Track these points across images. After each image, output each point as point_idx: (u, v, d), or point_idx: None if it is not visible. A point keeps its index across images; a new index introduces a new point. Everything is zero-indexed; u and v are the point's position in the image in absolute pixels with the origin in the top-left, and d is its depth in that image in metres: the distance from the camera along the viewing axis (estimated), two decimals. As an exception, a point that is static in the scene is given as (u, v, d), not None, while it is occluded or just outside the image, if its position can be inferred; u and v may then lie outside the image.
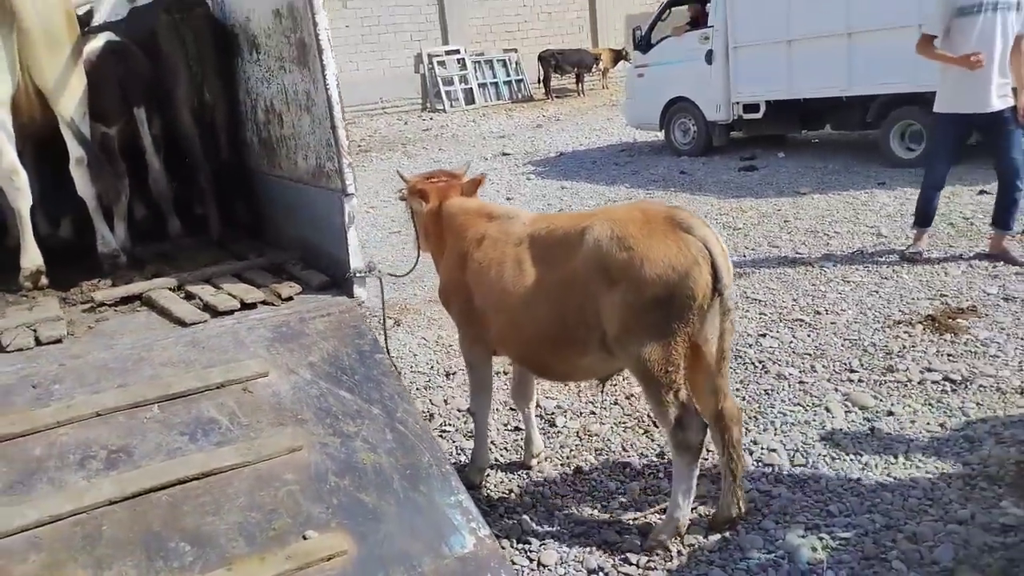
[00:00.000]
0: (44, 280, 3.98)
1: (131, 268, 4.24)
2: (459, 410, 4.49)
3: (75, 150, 4.04)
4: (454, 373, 5.01)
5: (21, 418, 2.79)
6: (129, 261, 4.34)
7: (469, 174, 3.85)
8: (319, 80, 3.53)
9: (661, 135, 13.17)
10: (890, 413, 4.01)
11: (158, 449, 2.79)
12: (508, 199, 10.37)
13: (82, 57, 4.13)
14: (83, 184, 4.11)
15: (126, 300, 3.81)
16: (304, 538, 2.56)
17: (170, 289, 3.86)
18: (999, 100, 5.91)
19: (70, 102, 4.02)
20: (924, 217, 6.53)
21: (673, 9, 13.04)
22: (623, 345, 2.92)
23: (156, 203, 5.02)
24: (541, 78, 22.91)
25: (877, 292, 5.74)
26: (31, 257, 3.96)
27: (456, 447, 4.11)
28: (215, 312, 3.53)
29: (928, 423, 3.89)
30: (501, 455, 4.00)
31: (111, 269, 4.19)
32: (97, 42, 4.41)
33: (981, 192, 8.08)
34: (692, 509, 3.25)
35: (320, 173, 3.80)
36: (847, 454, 3.69)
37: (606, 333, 2.96)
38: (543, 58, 22.72)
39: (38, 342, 3.30)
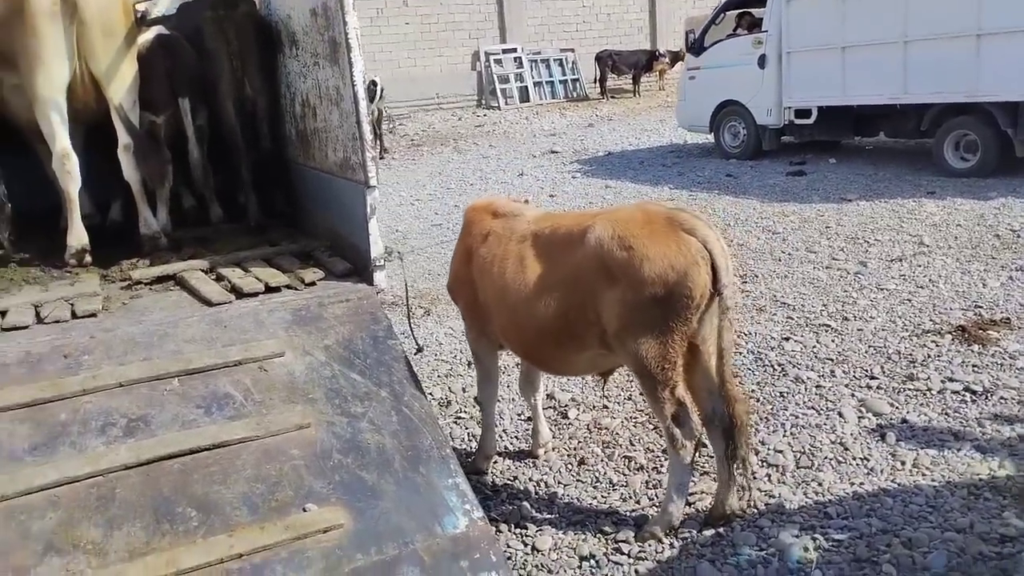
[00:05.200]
0: (88, 258, 4.20)
1: (170, 250, 4.45)
2: (475, 399, 4.61)
3: (123, 136, 4.26)
4: (476, 364, 5.13)
5: (50, 385, 2.98)
6: (169, 244, 4.54)
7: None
8: (347, 76, 3.66)
9: (711, 138, 13.10)
10: (904, 421, 4.00)
11: (174, 420, 2.96)
12: (551, 196, 10.45)
13: (135, 48, 4.34)
14: (129, 169, 4.34)
15: (161, 279, 4.01)
16: (304, 511, 2.69)
17: (203, 271, 4.04)
18: None
19: (121, 90, 4.24)
20: None
21: (727, 13, 12.95)
22: (622, 341, 2.99)
23: (200, 191, 5.24)
24: (597, 78, 22.91)
25: (910, 300, 5.67)
26: (77, 236, 4.19)
27: (468, 433, 4.23)
28: (240, 294, 3.70)
29: (941, 432, 3.86)
30: (511, 443, 4.11)
31: (151, 250, 4.39)
32: (148, 34, 4.62)
33: (1033, 204, 7.89)
34: (690, 504, 3.31)
35: (347, 165, 3.94)
36: (854, 459, 3.70)
37: (605, 330, 3.03)
38: (600, 58, 22.74)
39: (74, 315, 3.51)
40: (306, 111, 4.54)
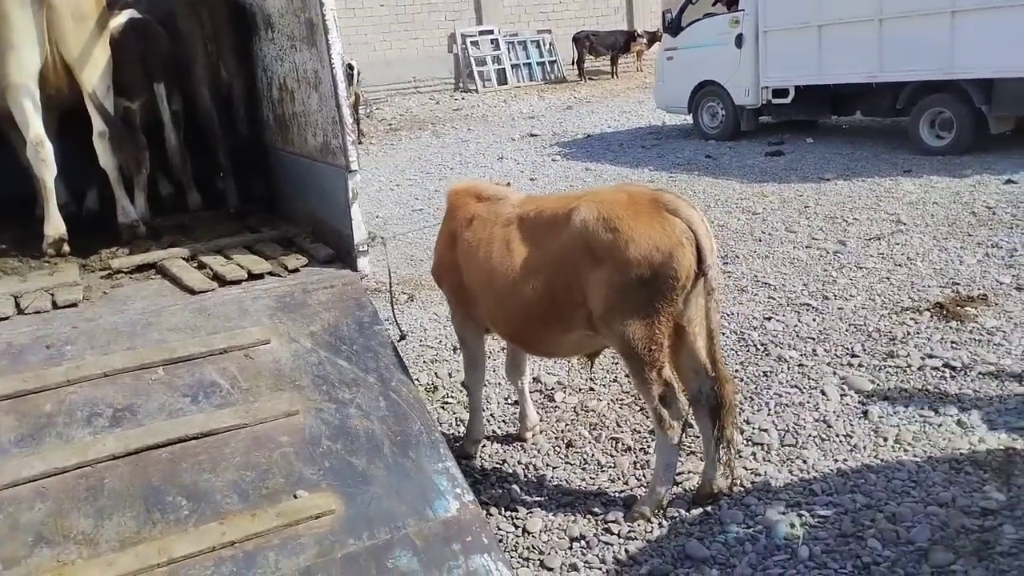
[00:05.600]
0: (66, 247, 4.14)
1: (149, 238, 4.40)
2: (462, 384, 4.61)
3: (98, 123, 4.20)
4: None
5: (34, 376, 2.95)
6: (148, 232, 4.49)
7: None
8: (325, 59, 3.62)
9: (690, 119, 13.12)
10: (885, 398, 4.05)
11: (161, 409, 2.93)
12: (532, 180, 10.42)
13: (107, 33, 4.27)
14: (105, 156, 4.28)
15: (142, 268, 3.97)
16: (295, 497, 2.68)
17: (183, 259, 4.01)
18: None
19: (95, 76, 4.16)
20: None
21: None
22: (607, 323, 3.00)
23: (178, 178, 5.18)
24: (575, 60, 22.83)
25: (888, 279, 5.73)
26: (54, 225, 4.13)
27: (456, 418, 4.23)
28: (223, 281, 3.67)
29: (922, 408, 3.91)
30: (499, 427, 4.12)
31: (130, 239, 4.34)
32: (120, 18, 4.54)
33: (1008, 181, 7.97)
34: (677, 484, 3.34)
35: (327, 150, 3.91)
36: (837, 436, 3.74)
37: (591, 312, 3.03)
38: (577, 39, 22.63)
39: (55, 305, 3.47)
40: (284, 95, 4.49)
